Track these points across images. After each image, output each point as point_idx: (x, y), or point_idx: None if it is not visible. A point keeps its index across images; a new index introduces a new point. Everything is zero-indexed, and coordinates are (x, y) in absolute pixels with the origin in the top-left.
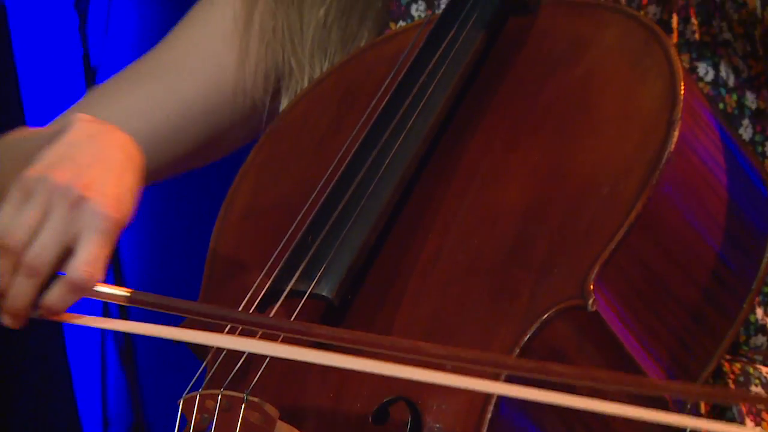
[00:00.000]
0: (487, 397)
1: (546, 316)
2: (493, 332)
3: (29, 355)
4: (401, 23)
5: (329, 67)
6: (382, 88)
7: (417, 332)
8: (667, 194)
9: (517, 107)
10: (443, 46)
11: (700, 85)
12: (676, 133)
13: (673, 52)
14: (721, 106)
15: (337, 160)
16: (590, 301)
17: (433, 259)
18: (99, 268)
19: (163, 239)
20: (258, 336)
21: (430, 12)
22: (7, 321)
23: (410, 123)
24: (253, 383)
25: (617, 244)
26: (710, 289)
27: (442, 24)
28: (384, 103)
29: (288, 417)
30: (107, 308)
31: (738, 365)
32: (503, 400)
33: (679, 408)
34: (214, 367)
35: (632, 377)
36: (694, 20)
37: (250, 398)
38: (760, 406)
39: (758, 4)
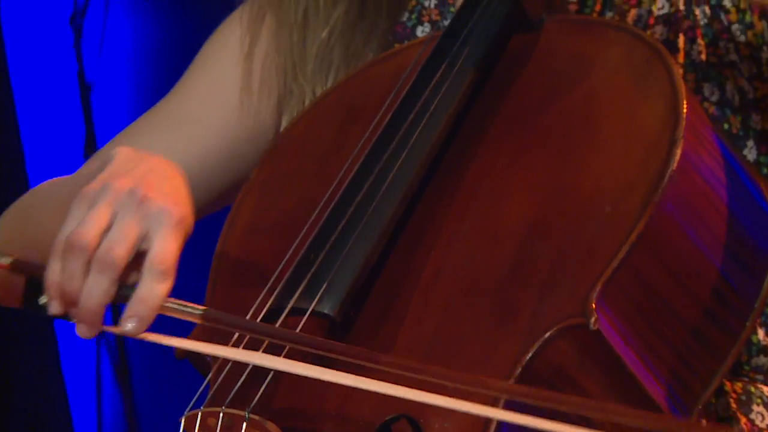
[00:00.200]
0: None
1: (548, 334)
2: (495, 351)
3: (24, 369)
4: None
5: (332, 84)
6: (385, 105)
7: (419, 350)
8: (670, 213)
9: (520, 125)
10: (446, 63)
11: (705, 105)
12: (679, 152)
13: (676, 70)
14: (726, 126)
15: (339, 177)
16: (592, 320)
17: (435, 277)
18: (174, 263)
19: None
20: (262, 349)
21: (429, 34)
22: (82, 330)
23: (413, 140)
24: (255, 401)
25: (619, 263)
26: (713, 308)
27: (446, 41)
28: (386, 120)
29: None
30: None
31: (740, 384)
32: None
33: None
34: (216, 384)
35: (632, 411)
36: (700, 41)
37: (252, 416)
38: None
39: (765, 26)
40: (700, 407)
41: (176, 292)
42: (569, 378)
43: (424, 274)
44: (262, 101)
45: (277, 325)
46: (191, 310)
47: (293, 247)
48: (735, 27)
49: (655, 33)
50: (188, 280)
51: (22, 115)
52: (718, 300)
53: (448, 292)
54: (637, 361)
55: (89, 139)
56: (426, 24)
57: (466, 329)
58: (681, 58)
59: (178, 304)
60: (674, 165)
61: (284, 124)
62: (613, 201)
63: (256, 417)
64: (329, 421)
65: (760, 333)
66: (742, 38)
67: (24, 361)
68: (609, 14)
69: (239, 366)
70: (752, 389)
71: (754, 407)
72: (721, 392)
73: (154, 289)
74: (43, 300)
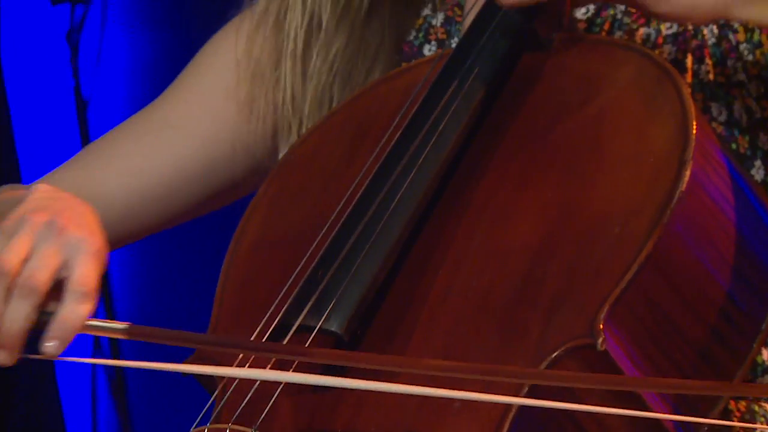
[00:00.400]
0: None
1: (555, 354)
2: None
3: (19, 384)
4: None
5: (341, 101)
6: (394, 123)
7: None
8: (678, 233)
9: (530, 144)
10: (456, 80)
11: (713, 125)
12: (688, 173)
13: (686, 91)
14: (733, 146)
15: (348, 194)
16: (599, 341)
17: (443, 296)
18: (94, 287)
19: (169, 273)
20: (269, 366)
21: (439, 52)
22: (2, 356)
23: (422, 158)
24: (261, 418)
25: (627, 283)
26: (720, 329)
27: (456, 59)
28: (396, 137)
29: None
30: (98, 343)
31: (743, 403)
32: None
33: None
34: (223, 402)
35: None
36: (708, 60)
37: None
38: None
39: None
40: (706, 428)
41: (182, 308)
42: (576, 398)
43: (433, 292)
44: (252, 123)
45: (284, 342)
46: (114, 327)
47: (301, 263)
48: (743, 46)
49: (663, 52)
50: (195, 296)
51: (19, 130)
52: (725, 320)
53: (456, 311)
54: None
55: None
56: (433, 43)
57: (473, 348)
58: (689, 77)
59: (100, 323)
60: (683, 186)
61: (282, 149)
62: (621, 221)
63: None
64: None
65: (765, 354)
66: (750, 58)
67: (19, 375)
68: (618, 34)
69: (245, 383)
70: (756, 408)
71: (758, 426)
72: (725, 411)
73: (75, 310)
74: None
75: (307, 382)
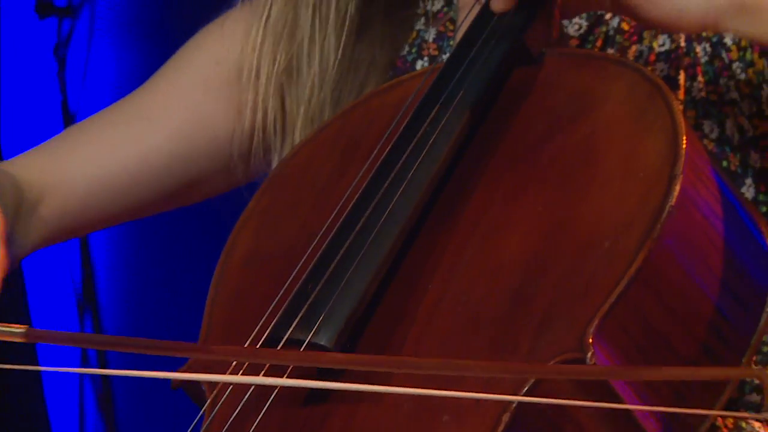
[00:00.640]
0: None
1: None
2: (492, 383)
3: (6, 398)
4: None
5: (332, 115)
6: (385, 136)
7: (416, 382)
8: (668, 248)
9: (521, 158)
10: (447, 94)
11: (705, 142)
12: (678, 188)
13: (677, 106)
14: (725, 164)
15: (339, 207)
16: (589, 355)
17: (433, 310)
18: None
19: (158, 286)
20: (263, 372)
21: (430, 66)
22: None
23: (413, 172)
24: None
25: (617, 298)
26: (709, 344)
27: (447, 73)
28: (386, 151)
29: None
30: (86, 355)
31: (731, 420)
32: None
33: None
34: (212, 416)
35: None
36: (701, 78)
37: None
38: None
39: (766, 64)
40: None
41: (170, 321)
42: (565, 413)
43: (422, 306)
44: (231, 122)
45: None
46: (12, 331)
47: (292, 277)
48: (736, 65)
49: (656, 69)
50: (183, 309)
51: (6, 145)
52: (715, 336)
53: (447, 325)
54: (633, 396)
55: None
56: (425, 58)
57: None
58: (681, 94)
59: None
60: (673, 201)
61: (275, 163)
62: (611, 236)
63: None
64: None
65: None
66: (743, 76)
67: (6, 390)
68: (610, 50)
69: (235, 397)
70: (743, 424)
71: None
72: (712, 427)
73: None
74: None
75: (297, 385)
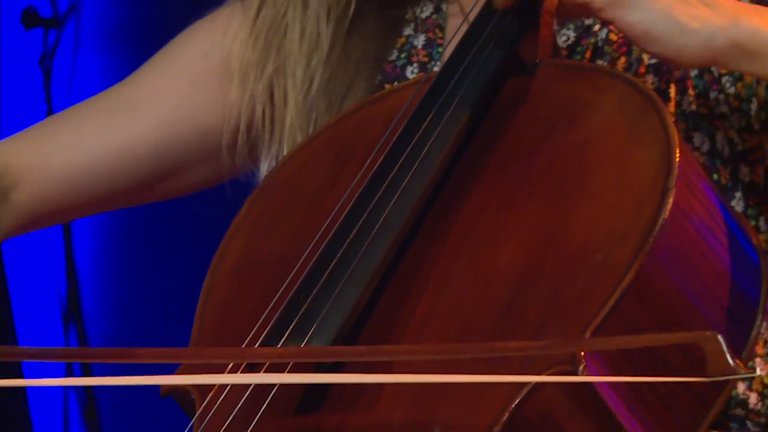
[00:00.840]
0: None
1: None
2: (484, 395)
3: None
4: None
5: (324, 123)
6: (378, 145)
7: (408, 392)
8: (661, 261)
9: (513, 169)
10: (440, 104)
11: (696, 155)
12: (671, 201)
13: (669, 119)
14: (715, 176)
15: (331, 217)
16: (580, 368)
17: (425, 321)
18: None
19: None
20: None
21: (423, 75)
22: None
23: (405, 182)
24: None
25: (609, 311)
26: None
27: (440, 82)
28: (380, 160)
29: None
30: (70, 368)
31: None
32: None
33: None
34: (202, 427)
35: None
36: (691, 92)
37: None
38: None
39: (754, 78)
40: None
41: (158, 332)
42: (557, 425)
43: (415, 317)
44: (219, 115)
45: (265, 365)
46: None
47: (284, 286)
48: (725, 79)
49: (646, 81)
50: (171, 320)
51: None
52: None
53: (439, 336)
54: (625, 410)
55: None
56: (415, 65)
57: (455, 372)
58: (672, 107)
59: None
60: (666, 214)
61: (263, 168)
62: (604, 249)
63: None
64: None
65: (740, 386)
66: (732, 90)
67: None
68: (600, 62)
69: (225, 407)
70: None
71: None
72: None
73: None
74: None
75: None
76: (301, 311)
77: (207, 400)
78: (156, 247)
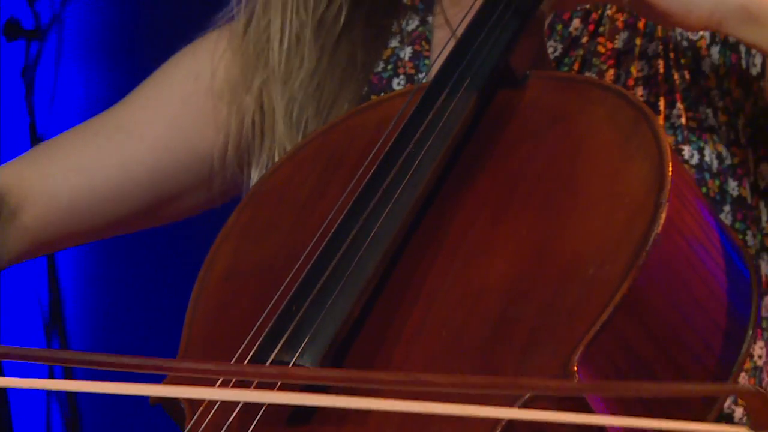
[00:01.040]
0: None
1: (528, 395)
2: (472, 419)
3: None
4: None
5: (312, 132)
6: (369, 157)
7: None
8: (653, 276)
9: (504, 181)
10: (431, 116)
11: (685, 167)
12: (664, 215)
13: (662, 132)
14: (703, 190)
15: (322, 227)
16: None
17: (417, 333)
18: None
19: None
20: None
21: (412, 86)
22: None
23: (396, 194)
24: None
25: (602, 325)
26: (691, 372)
27: (431, 94)
28: (371, 171)
29: None
30: (52, 371)
31: None
32: None
33: None
34: None
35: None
36: (680, 105)
37: None
38: None
39: (742, 93)
40: None
41: (141, 343)
42: None
43: (406, 329)
44: (212, 134)
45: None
46: None
47: (275, 297)
48: (714, 93)
49: (635, 94)
50: (154, 331)
51: None
52: (697, 364)
53: (430, 349)
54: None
55: None
56: (402, 76)
57: None
58: (661, 120)
59: None
60: (659, 228)
61: (254, 177)
62: (596, 263)
63: None
64: None
65: (727, 401)
66: (720, 104)
67: None
68: (588, 73)
69: (217, 420)
70: None
71: None
72: None
73: None
74: None
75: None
76: (294, 323)
77: (198, 412)
78: (140, 257)
